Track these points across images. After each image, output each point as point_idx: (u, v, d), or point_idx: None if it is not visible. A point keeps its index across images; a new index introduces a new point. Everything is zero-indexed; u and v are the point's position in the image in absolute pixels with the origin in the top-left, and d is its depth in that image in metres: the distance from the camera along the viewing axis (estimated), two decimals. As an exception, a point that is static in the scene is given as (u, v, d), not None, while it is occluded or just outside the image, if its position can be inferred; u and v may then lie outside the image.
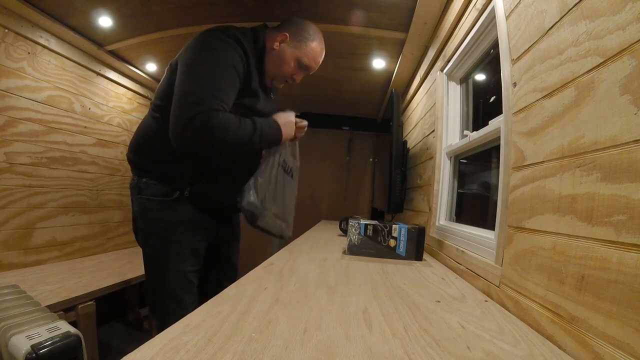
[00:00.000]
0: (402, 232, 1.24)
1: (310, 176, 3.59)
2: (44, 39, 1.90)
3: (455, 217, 1.56)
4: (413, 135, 2.29)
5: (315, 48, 1.14)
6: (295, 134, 1.17)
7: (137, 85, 2.75)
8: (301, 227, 2.53)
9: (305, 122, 1.20)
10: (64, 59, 2.07)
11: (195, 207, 1.06)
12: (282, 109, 1.24)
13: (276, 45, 1.10)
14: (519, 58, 0.83)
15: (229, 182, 1.12)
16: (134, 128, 2.72)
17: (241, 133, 0.96)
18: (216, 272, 1.26)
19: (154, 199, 1.03)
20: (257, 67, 1.09)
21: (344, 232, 1.93)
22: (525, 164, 0.76)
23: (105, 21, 1.91)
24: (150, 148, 1.06)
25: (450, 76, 1.62)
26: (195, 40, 1.00)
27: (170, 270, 1.04)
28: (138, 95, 2.79)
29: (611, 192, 0.49)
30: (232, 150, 0.99)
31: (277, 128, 1.09)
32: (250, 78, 1.05)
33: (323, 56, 1.19)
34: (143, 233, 1.07)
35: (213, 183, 1.08)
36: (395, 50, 2.07)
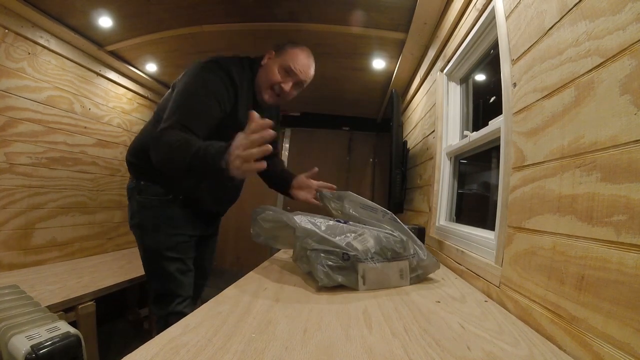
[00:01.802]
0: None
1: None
2: (44, 39, 1.90)
3: (455, 217, 1.56)
4: (413, 135, 2.29)
5: (295, 51, 1.16)
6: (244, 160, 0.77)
7: (137, 85, 2.75)
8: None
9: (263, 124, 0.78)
10: (64, 59, 2.07)
11: (187, 207, 1.19)
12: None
13: (264, 62, 1.19)
14: (519, 58, 0.83)
15: (217, 190, 1.23)
16: (134, 128, 2.75)
17: (181, 150, 0.88)
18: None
19: (154, 198, 1.15)
20: (250, 88, 1.17)
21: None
22: (525, 164, 0.76)
23: (105, 21, 1.91)
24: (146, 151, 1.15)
25: (450, 76, 1.62)
26: (191, 70, 1.07)
27: (164, 258, 1.16)
28: (138, 96, 2.79)
29: (611, 192, 0.49)
30: (178, 166, 0.89)
31: (221, 151, 0.81)
32: (237, 109, 1.10)
33: (309, 65, 1.19)
34: (141, 228, 1.18)
35: (203, 190, 1.19)
36: (395, 50, 2.07)
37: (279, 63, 1.15)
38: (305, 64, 1.17)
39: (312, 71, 1.21)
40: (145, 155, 1.13)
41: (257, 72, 1.19)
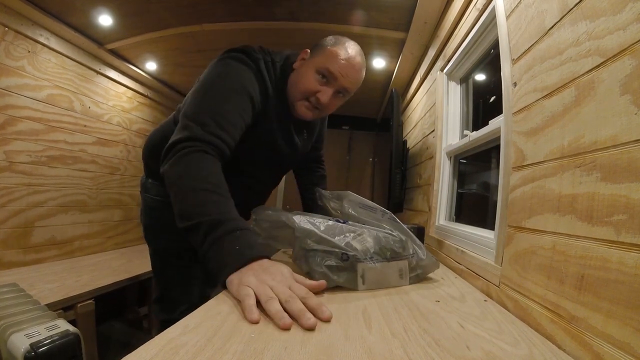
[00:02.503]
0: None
1: (310, 176, 3.60)
2: (44, 37, 1.90)
3: (455, 216, 1.56)
4: (413, 134, 2.29)
5: (335, 50, 0.90)
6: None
7: (137, 84, 2.75)
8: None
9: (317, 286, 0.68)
10: (64, 57, 2.07)
11: None
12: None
13: (296, 65, 0.95)
14: (519, 58, 0.83)
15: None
16: (134, 127, 2.75)
17: (195, 199, 0.71)
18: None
19: (158, 199, 1.10)
20: (281, 97, 0.95)
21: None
22: (525, 163, 0.76)
23: (105, 20, 1.91)
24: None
25: (450, 76, 1.62)
26: (217, 59, 0.90)
27: (168, 263, 1.11)
28: (138, 94, 2.79)
29: (611, 191, 0.49)
30: (176, 208, 0.72)
31: (239, 253, 0.66)
32: (269, 110, 0.91)
33: (355, 66, 0.92)
34: (146, 227, 1.16)
35: None
36: (395, 49, 2.07)
37: (314, 65, 0.90)
38: (349, 64, 0.89)
39: (359, 74, 0.94)
40: (154, 154, 1.06)
41: (289, 77, 0.94)
